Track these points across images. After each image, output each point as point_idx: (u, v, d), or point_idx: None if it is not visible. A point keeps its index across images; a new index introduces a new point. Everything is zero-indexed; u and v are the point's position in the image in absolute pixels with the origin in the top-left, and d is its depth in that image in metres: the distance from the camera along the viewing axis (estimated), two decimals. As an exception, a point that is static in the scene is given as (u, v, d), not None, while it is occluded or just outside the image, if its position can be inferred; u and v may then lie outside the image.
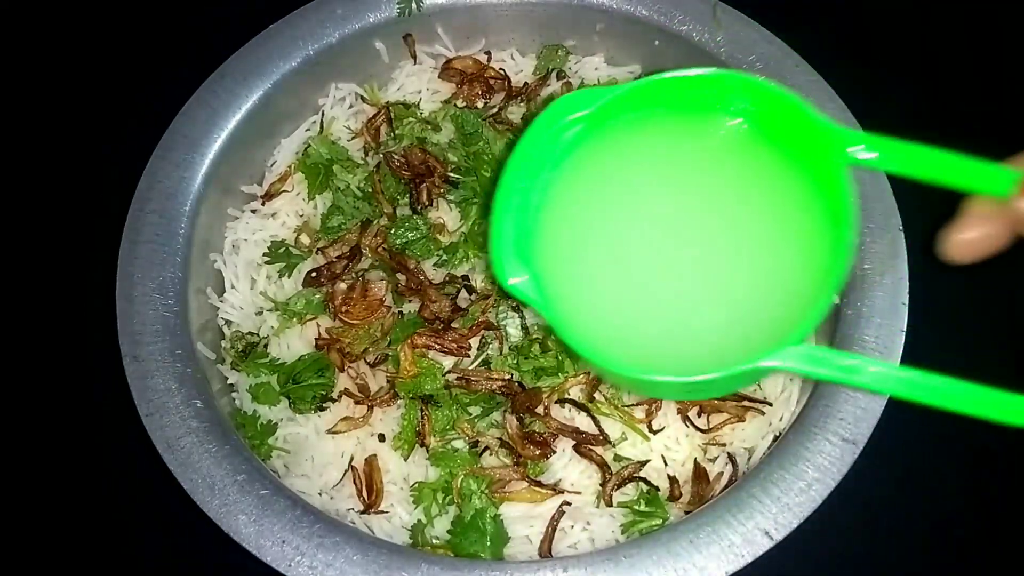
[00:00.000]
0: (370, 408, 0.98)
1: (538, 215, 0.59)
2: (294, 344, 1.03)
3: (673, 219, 0.59)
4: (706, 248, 0.58)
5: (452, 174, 1.09)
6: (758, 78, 0.57)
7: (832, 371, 0.53)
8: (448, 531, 0.92)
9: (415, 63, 1.20)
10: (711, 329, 0.56)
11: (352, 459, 0.97)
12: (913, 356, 0.90)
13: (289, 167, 1.14)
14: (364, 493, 0.94)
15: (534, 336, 0.99)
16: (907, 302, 0.93)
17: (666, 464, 0.97)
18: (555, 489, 0.93)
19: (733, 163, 0.59)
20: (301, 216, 1.11)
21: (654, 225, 0.58)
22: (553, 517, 0.92)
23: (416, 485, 0.95)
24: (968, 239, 0.51)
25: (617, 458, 0.96)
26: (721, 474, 0.96)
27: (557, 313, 0.56)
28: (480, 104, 1.16)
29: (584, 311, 0.56)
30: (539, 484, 0.93)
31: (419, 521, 0.94)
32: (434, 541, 0.93)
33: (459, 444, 0.96)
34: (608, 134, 0.60)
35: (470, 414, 0.97)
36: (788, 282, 0.56)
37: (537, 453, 0.94)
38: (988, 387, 0.52)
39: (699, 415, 0.98)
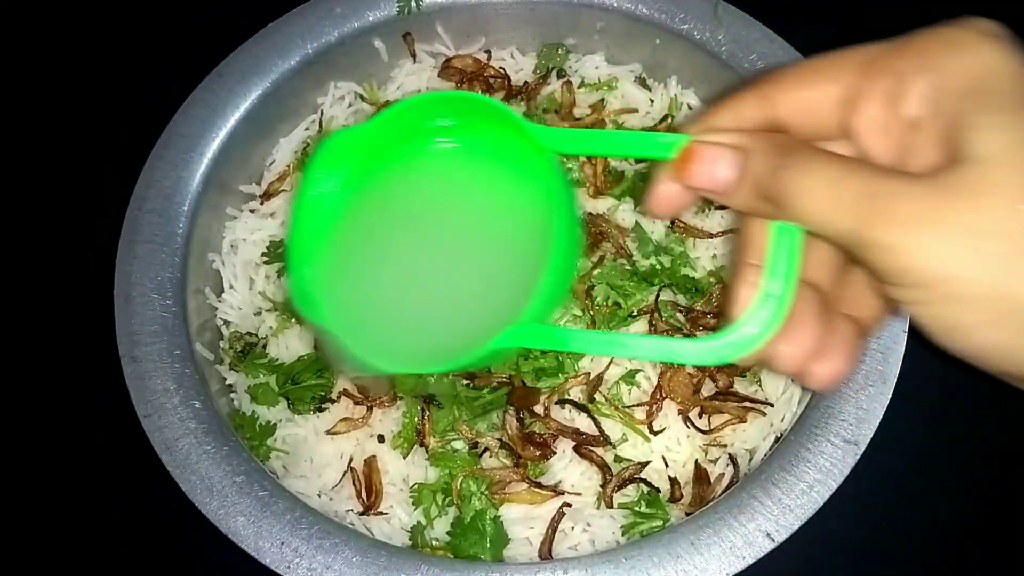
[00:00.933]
0: (369, 409, 0.98)
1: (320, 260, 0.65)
2: (293, 344, 1.03)
3: (418, 240, 0.66)
4: (449, 259, 0.65)
5: (452, 174, 1.09)
6: (459, 93, 0.62)
7: (544, 341, 0.58)
8: (448, 533, 0.92)
9: (415, 62, 1.19)
10: (464, 324, 0.63)
11: (351, 460, 0.97)
12: (915, 356, 0.90)
13: (288, 166, 1.14)
14: (363, 494, 0.94)
15: (534, 336, 0.99)
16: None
17: (667, 465, 0.96)
18: (555, 491, 0.93)
19: (454, 179, 0.66)
20: (300, 216, 1.11)
21: (406, 249, 0.65)
22: (553, 519, 0.91)
23: (416, 486, 0.94)
24: (660, 195, 0.56)
25: (617, 459, 0.96)
26: (722, 475, 0.96)
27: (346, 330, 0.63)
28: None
29: (367, 326, 0.64)
30: (539, 485, 0.93)
31: (419, 523, 0.93)
32: (434, 543, 0.93)
33: (459, 445, 0.96)
34: (356, 182, 0.66)
35: (471, 414, 0.96)
36: (520, 273, 0.60)
37: (537, 454, 0.93)
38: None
39: (700, 416, 0.98)
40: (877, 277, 0.48)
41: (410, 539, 0.93)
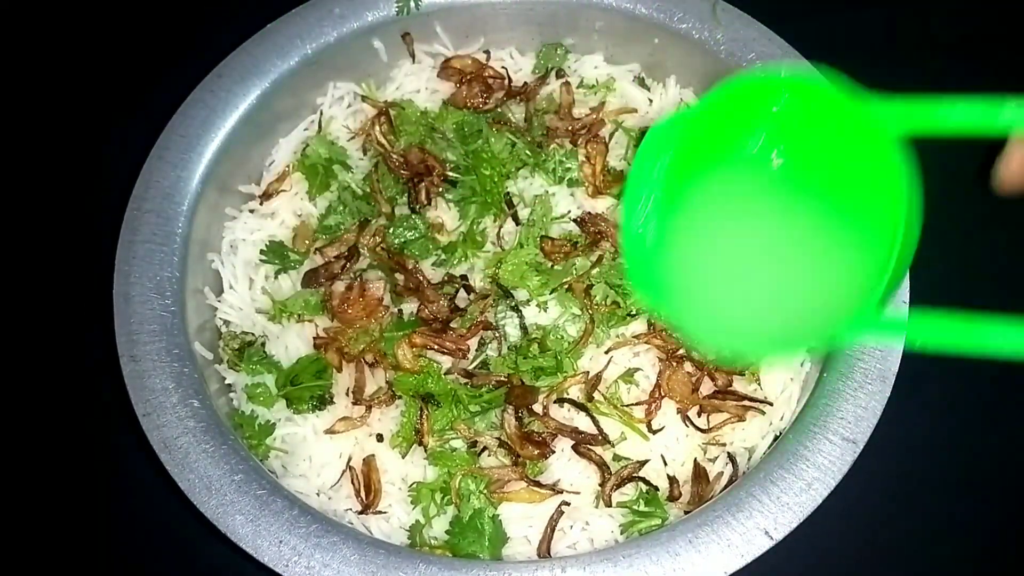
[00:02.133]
0: (368, 408, 0.98)
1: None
2: (292, 343, 1.03)
3: (751, 227, 0.65)
4: (784, 247, 0.64)
5: (451, 173, 1.09)
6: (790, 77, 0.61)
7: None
8: (447, 531, 0.92)
9: (414, 62, 1.19)
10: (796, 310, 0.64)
11: (350, 459, 0.96)
12: (913, 355, 0.90)
13: (287, 167, 1.14)
14: (362, 493, 0.94)
15: (533, 336, 0.99)
16: (908, 300, 0.93)
17: (665, 464, 0.96)
18: (554, 489, 0.93)
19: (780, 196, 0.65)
20: (299, 216, 1.11)
21: (737, 246, 0.66)
22: (552, 517, 0.91)
23: (414, 485, 0.94)
24: (1015, 167, 0.53)
25: (616, 458, 0.96)
26: (721, 474, 0.96)
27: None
28: (479, 103, 1.15)
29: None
30: (538, 484, 0.93)
31: (417, 521, 0.93)
32: (432, 541, 0.93)
33: (458, 444, 0.96)
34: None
35: (470, 412, 0.96)
36: (855, 258, 0.61)
37: (536, 453, 0.93)
38: None
39: (699, 415, 0.98)
40: None
41: (408, 538, 0.93)
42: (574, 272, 1.02)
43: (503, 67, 1.19)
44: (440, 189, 1.09)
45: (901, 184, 0.56)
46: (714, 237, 0.65)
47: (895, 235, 0.56)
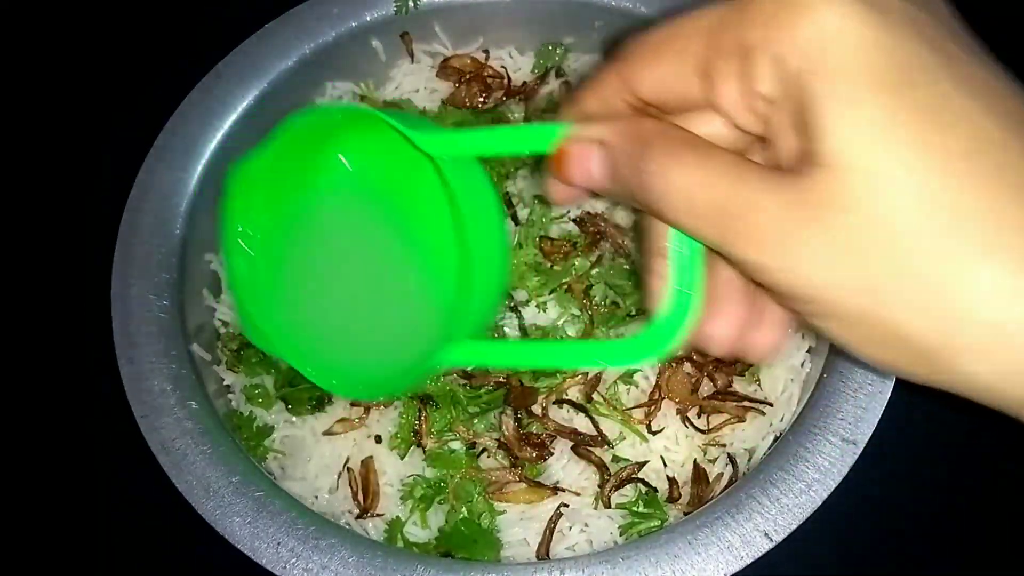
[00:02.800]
0: (367, 409, 0.98)
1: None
2: (291, 345, 1.03)
3: (345, 260, 0.67)
4: (376, 277, 0.66)
5: (449, 173, 1.09)
6: (340, 107, 0.64)
7: (476, 358, 0.59)
8: (445, 532, 0.91)
9: (412, 61, 1.19)
10: (400, 342, 0.64)
11: (348, 461, 0.96)
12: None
13: (287, 167, 1.13)
14: (360, 496, 0.94)
15: (532, 336, 0.99)
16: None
17: (665, 465, 0.96)
18: (556, 488, 0.93)
19: (367, 193, 0.66)
20: (298, 216, 1.11)
21: (335, 271, 0.67)
22: (551, 519, 0.91)
23: (411, 478, 0.94)
24: (555, 189, 0.54)
25: (615, 459, 0.95)
26: (721, 475, 0.96)
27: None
28: (478, 103, 1.15)
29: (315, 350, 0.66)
30: (538, 484, 0.93)
31: (397, 517, 0.93)
32: (432, 542, 0.92)
33: (456, 445, 0.96)
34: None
35: (468, 414, 0.96)
36: (449, 284, 0.61)
37: (534, 455, 0.93)
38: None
39: (699, 415, 0.98)
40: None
41: (386, 532, 0.92)
42: (573, 272, 1.01)
43: (502, 66, 1.18)
44: (439, 189, 1.08)
45: (461, 217, 0.55)
46: (309, 273, 0.66)
47: (474, 261, 0.55)
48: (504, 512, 0.92)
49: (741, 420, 0.97)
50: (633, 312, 1.00)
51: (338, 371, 0.65)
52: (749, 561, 0.81)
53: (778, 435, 0.97)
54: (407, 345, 0.62)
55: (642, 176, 0.46)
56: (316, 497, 0.96)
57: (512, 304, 1.00)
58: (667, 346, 0.51)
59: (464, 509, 0.91)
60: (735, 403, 0.97)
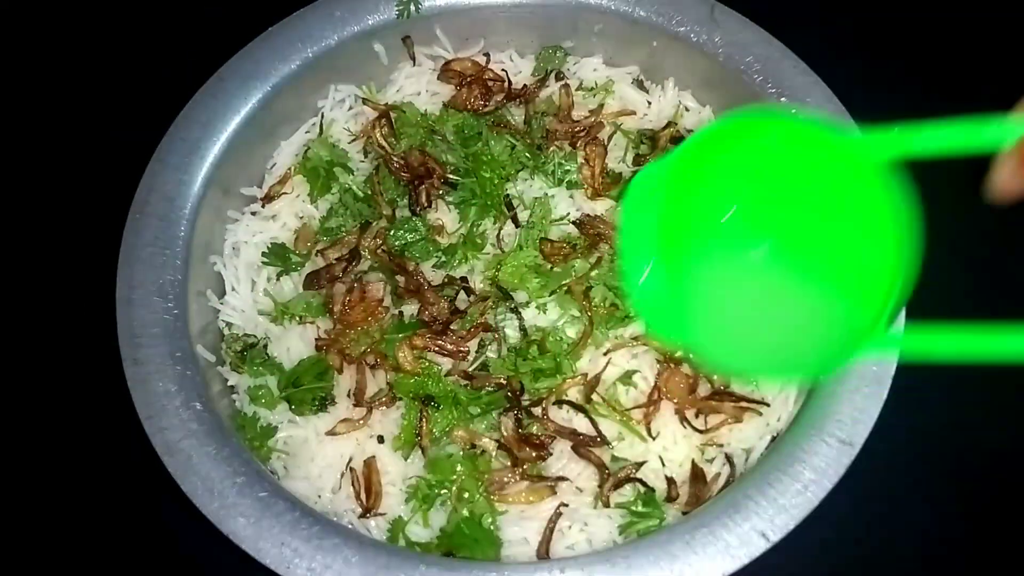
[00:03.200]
0: (369, 410, 0.99)
1: None
2: (294, 345, 1.04)
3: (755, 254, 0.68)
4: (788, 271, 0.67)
5: (451, 176, 1.10)
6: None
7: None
8: (446, 532, 0.92)
9: (414, 65, 1.20)
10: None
11: (351, 461, 0.97)
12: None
13: (289, 169, 1.14)
14: (362, 496, 0.95)
15: (532, 338, 1.00)
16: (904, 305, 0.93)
17: (664, 465, 0.97)
18: (560, 479, 0.94)
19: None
20: (301, 218, 1.12)
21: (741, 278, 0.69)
22: (551, 518, 0.92)
23: (413, 479, 0.95)
24: (1005, 181, 0.55)
25: (614, 459, 0.96)
26: (719, 475, 0.97)
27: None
28: (479, 106, 1.16)
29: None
30: (541, 478, 0.94)
31: (399, 517, 0.94)
32: (434, 542, 0.93)
33: (452, 449, 0.96)
34: None
35: (470, 415, 0.97)
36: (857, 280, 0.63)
37: (533, 455, 0.94)
38: None
39: (696, 416, 0.98)
40: None
41: (388, 531, 0.93)
42: (573, 274, 1.02)
43: (503, 69, 1.19)
44: (440, 191, 1.09)
45: (897, 212, 0.58)
46: (718, 271, 0.67)
47: (895, 261, 0.58)
48: (505, 512, 0.93)
49: (738, 420, 0.98)
50: (632, 313, 1.01)
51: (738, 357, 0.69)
52: (747, 561, 0.82)
53: (775, 435, 0.98)
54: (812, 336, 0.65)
55: None
56: (319, 497, 0.97)
57: (513, 305, 1.01)
58: None
59: (465, 509, 0.92)
60: (732, 403, 0.98)
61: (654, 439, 0.97)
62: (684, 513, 0.93)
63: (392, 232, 1.06)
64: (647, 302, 0.69)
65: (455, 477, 0.93)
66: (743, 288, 0.67)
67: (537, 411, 0.96)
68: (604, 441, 0.96)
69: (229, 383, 1.03)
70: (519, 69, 1.21)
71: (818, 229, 0.65)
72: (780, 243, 0.66)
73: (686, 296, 0.66)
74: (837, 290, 0.64)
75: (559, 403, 0.97)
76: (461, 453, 0.95)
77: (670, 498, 0.95)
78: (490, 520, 0.92)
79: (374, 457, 0.97)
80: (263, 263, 1.09)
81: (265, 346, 1.04)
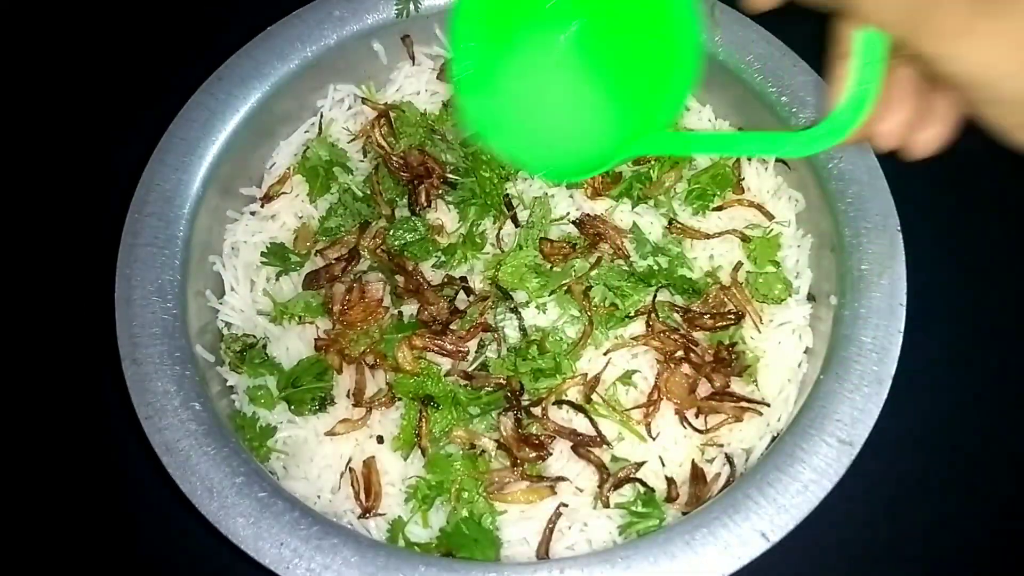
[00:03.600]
0: (368, 410, 0.98)
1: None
2: (293, 345, 1.04)
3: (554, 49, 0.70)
4: (582, 69, 0.70)
5: (451, 175, 1.09)
6: None
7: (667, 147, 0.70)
8: (445, 532, 0.92)
9: (413, 64, 1.20)
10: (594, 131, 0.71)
11: (350, 461, 0.97)
12: (911, 357, 0.90)
13: (288, 169, 1.14)
14: (362, 496, 0.95)
15: (532, 338, 1.00)
16: (904, 303, 0.93)
17: (663, 465, 0.97)
18: (560, 479, 0.94)
19: None
20: (300, 218, 1.12)
21: (543, 59, 0.71)
22: (550, 518, 0.92)
23: (413, 479, 0.95)
24: None
25: (614, 459, 0.96)
26: (719, 475, 0.97)
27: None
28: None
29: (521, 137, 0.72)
30: (541, 478, 0.94)
31: (399, 517, 0.94)
32: (413, 538, 0.94)
33: (452, 449, 0.96)
34: None
35: (469, 415, 0.97)
36: (643, 82, 0.68)
37: (532, 456, 0.94)
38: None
39: (696, 416, 0.98)
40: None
41: (388, 532, 0.93)
42: (573, 274, 1.02)
43: (502, 69, 1.19)
44: (440, 191, 1.09)
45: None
46: (530, 54, 0.70)
47: (680, 58, 0.64)
48: (505, 512, 0.93)
49: (739, 420, 0.98)
50: (632, 313, 1.01)
51: (540, 162, 0.72)
52: (747, 561, 0.82)
53: (775, 435, 0.98)
54: (599, 138, 0.69)
55: None
56: (319, 497, 0.97)
57: (512, 305, 1.01)
58: (844, 133, 0.59)
59: (465, 509, 0.92)
60: (732, 403, 0.98)
61: (654, 439, 0.97)
62: (684, 513, 0.93)
63: (391, 232, 1.06)
64: (473, 92, 0.70)
65: (454, 477, 0.93)
66: (545, 73, 0.70)
67: (537, 411, 0.96)
68: (604, 441, 0.96)
69: (228, 383, 1.03)
70: (519, 68, 1.21)
71: (618, 20, 0.67)
72: (584, 29, 0.68)
73: (503, 83, 0.69)
74: (627, 81, 0.68)
75: (559, 403, 0.97)
76: (461, 453, 0.95)
77: (670, 498, 0.95)
78: (490, 520, 0.92)
79: (373, 457, 0.97)
80: (262, 263, 1.08)
81: (264, 346, 1.04)
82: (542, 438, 0.95)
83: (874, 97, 0.58)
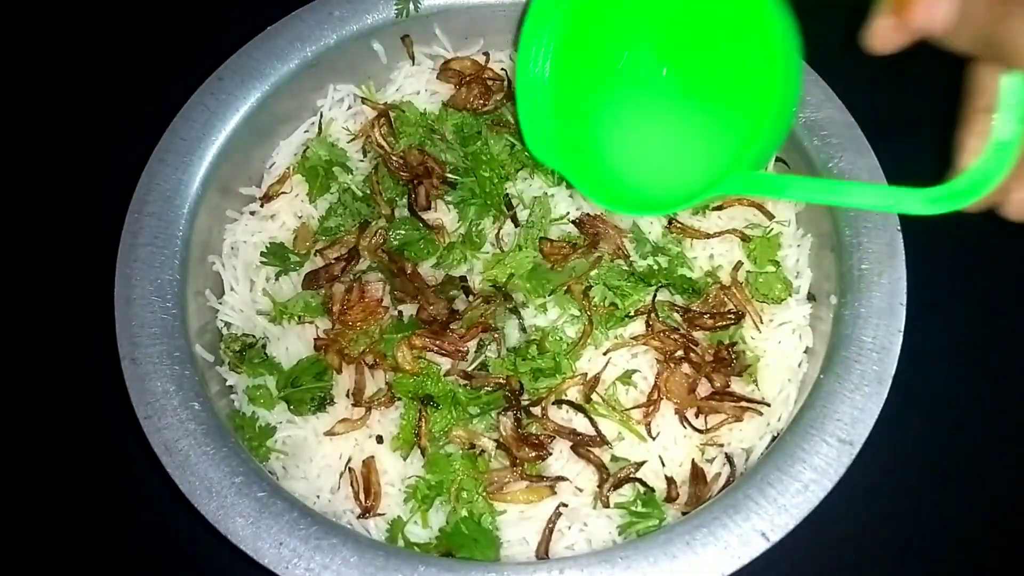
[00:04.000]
0: (368, 410, 0.98)
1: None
2: (293, 345, 1.04)
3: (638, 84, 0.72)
4: (667, 105, 0.71)
5: (450, 175, 1.09)
6: None
7: (763, 188, 0.66)
8: (445, 532, 0.92)
9: (413, 64, 1.20)
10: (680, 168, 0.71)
11: (350, 461, 0.97)
12: (911, 357, 0.90)
13: (288, 169, 1.14)
14: (361, 496, 0.94)
15: (532, 337, 1.00)
16: (904, 302, 0.93)
17: (663, 465, 0.97)
18: (560, 479, 0.94)
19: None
20: (300, 218, 1.12)
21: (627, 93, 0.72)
22: (550, 518, 0.92)
23: (412, 479, 0.95)
24: (878, 30, 0.58)
25: (614, 459, 0.96)
26: (719, 474, 0.96)
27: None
28: (478, 105, 1.16)
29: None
30: (541, 478, 0.94)
31: (399, 517, 0.94)
32: (413, 538, 0.93)
33: (451, 449, 0.96)
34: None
35: (469, 415, 0.97)
36: (737, 120, 0.67)
37: (532, 455, 0.94)
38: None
39: (696, 416, 0.98)
40: None
41: (387, 531, 0.93)
42: (573, 274, 1.02)
43: (502, 68, 1.19)
44: (439, 191, 1.09)
45: (781, 41, 0.62)
46: (620, 99, 0.70)
47: (778, 91, 0.62)
48: (504, 512, 0.93)
49: (739, 420, 0.98)
50: (631, 313, 1.01)
51: (614, 186, 0.71)
52: (747, 561, 0.82)
53: (775, 435, 0.97)
54: (691, 172, 0.68)
55: (1003, 19, 0.49)
56: (318, 497, 0.97)
57: (512, 305, 1.01)
58: (978, 195, 0.55)
59: (464, 509, 0.92)
60: (732, 403, 0.98)
61: (654, 439, 0.97)
62: (684, 513, 0.93)
63: (391, 232, 1.06)
64: (539, 130, 0.70)
65: (454, 477, 0.93)
66: (644, 113, 0.69)
67: (536, 411, 0.96)
68: (604, 441, 0.96)
69: (228, 383, 1.03)
70: (518, 68, 1.21)
71: (709, 55, 0.67)
72: (674, 69, 0.68)
73: (585, 124, 0.69)
74: (724, 115, 0.67)
75: (559, 403, 0.97)
76: (460, 453, 0.95)
77: (670, 498, 0.94)
78: (489, 520, 0.92)
79: (373, 457, 0.97)
80: (262, 263, 1.08)
81: (264, 346, 1.04)
82: (542, 438, 0.95)
83: (1016, 153, 0.53)
